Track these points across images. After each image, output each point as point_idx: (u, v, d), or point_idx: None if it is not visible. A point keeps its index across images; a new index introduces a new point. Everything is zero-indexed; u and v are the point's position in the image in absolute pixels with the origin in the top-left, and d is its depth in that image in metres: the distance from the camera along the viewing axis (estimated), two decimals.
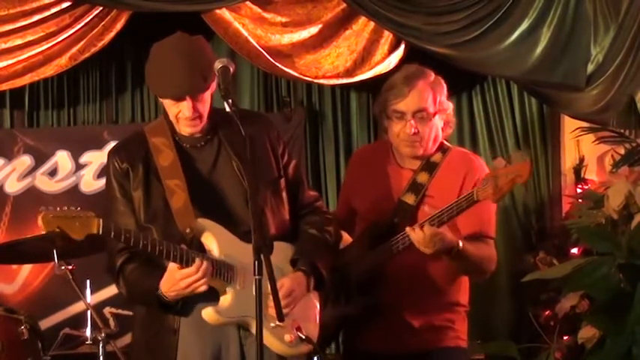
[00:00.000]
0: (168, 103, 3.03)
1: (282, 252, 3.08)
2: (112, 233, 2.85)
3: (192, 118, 3.01)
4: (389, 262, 3.37)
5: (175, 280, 2.91)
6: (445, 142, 3.54)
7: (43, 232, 2.83)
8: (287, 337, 3.01)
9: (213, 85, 3.04)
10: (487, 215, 3.45)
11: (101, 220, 2.83)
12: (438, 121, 3.45)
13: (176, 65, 2.96)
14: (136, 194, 3.05)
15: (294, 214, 3.20)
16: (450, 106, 3.50)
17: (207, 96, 3.03)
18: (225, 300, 2.95)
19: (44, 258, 4.33)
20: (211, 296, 2.96)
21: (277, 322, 2.91)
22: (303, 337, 3.00)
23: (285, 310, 2.90)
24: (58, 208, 2.80)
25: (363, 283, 3.40)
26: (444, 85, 3.49)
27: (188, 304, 2.99)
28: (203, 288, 2.92)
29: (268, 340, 2.96)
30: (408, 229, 3.26)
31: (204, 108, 3.03)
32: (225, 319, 2.95)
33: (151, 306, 3.03)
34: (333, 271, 3.29)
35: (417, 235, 3.23)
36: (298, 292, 3.04)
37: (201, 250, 2.97)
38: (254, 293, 2.95)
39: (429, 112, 3.40)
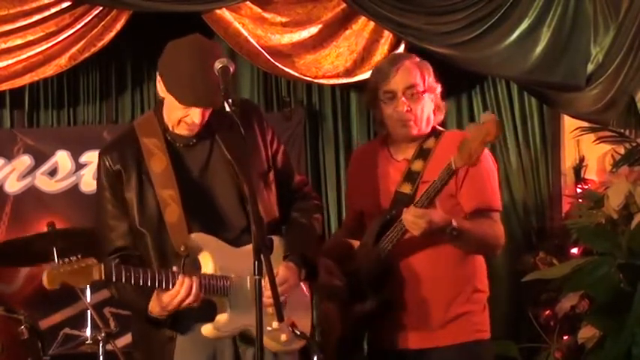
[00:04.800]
0: (175, 106, 2.99)
1: (274, 246, 3.08)
2: (114, 276, 2.83)
3: (197, 124, 3.00)
4: (393, 253, 3.37)
5: (165, 304, 2.90)
6: (438, 127, 3.56)
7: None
8: (283, 337, 3.01)
9: None
10: (490, 188, 3.45)
11: (102, 266, 2.81)
12: (428, 101, 3.49)
13: (199, 74, 2.90)
14: (129, 197, 3.03)
15: (284, 200, 3.19)
16: (438, 87, 3.54)
17: None
18: (223, 314, 2.95)
19: (45, 257, 4.33)
20: (208, 308, 2.96)
21: (274, 326, 2.92)
22: (299, 333, 2.99)
23: (281, 297, 2.91)
24: (61, 262, 2.78)
25: (374, 280, 3.40)
26: (431, 68, 3.55)
27: (183, 315, 2.98)
28: (194, 304, 2.90)
29: (265, 342, 2.94)
30: (404, 211, 3.27)
31: (207, 115, 3.02)
32: (224, 333, 2.96)
33: (140, 320, 3.03)
34: (345, 274, 3.29)
35: (405, 216, 3.25)
36: (292, 282, 3.04)
37: (196, 265, 2.96)
38: (251, 298, 2.96)
39: (418, 90, 3.46)
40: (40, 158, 5.33)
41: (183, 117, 3.00)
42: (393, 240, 3.35)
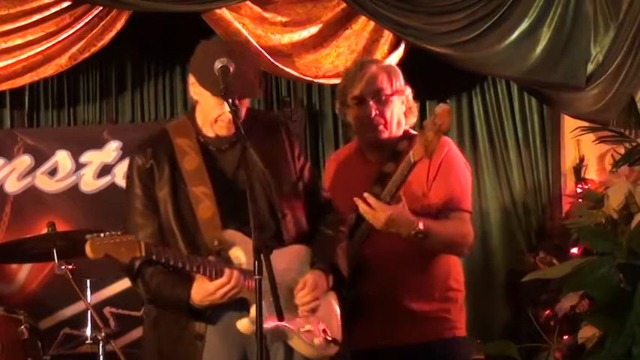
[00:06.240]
0: (211, 105, 3.01)
1: (301, 254, 3.08)
2: (154, 255, 2.82)
3: (229, 119, 2.99)
4: (364, 252, 3.39)
5: (209, 292, 2.89)
6: (411, 130, 3.57)
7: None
8: (317, 341, 3.00)
9: None
10: (459, 188, 3.47)
11: (143, 243, 2.80)
12: (397, 104, 3.52)
13: (240, 68, 2.95)
14: (162, 195, 3.02)
15: (312, 215, 3.19)
16: (408, 91, 3.56)
17: (245, 102, 3.04)
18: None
19: (45, 257, 4.34)
20: (238, 304, 2.94)
21: (307, 328, 2.94)
22: (330, 339, 3.00)
23: (312, 305, 2.97)
24: (102, 234, 2.76)
25: (348, 279, 3.41)
26: (399, 72, 3.58)
27: (215, 310, 2.97)
28: (239, 295, 2.90)
29: (297, 344, 2.98)
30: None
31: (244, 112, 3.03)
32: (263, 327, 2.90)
33: (177, 312, 3.00)
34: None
35: (363, 210, 3.28)
36: (322, 287, 3.04)
37: (228, 262, 2.95)
38: (284, 300, 2.94)
39: (386, 94, 3.49)
40: (40, 158, 5.34)
41: (219, 115, 3.00)
42: (362, 237, 3.38)
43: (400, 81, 3.55)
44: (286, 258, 3.03)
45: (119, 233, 2.79)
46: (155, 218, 3.02)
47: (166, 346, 3.06)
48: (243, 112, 3.01)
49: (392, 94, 3.49)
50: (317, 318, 3.01)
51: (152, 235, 3.01)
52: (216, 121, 3.03)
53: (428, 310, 3.42)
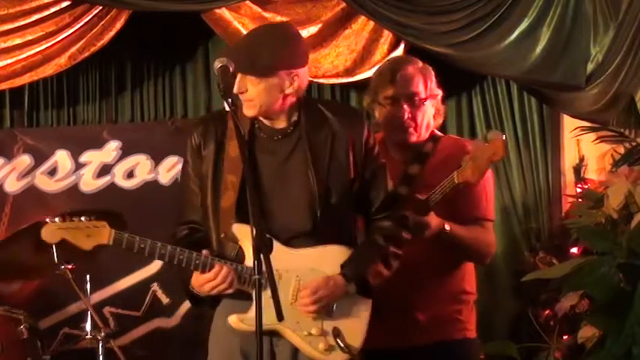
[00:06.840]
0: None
1: (335, 256, 3.06)
2: (124, 244, 2.86)
3: (245, 99, 2.99)
4: None
5: (199, 283, 2.96)
6: (436, 132, 3.56)
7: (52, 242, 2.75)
8: (321, 346, 3.00)
9: (282, 77, 2.99)
10: (485, 198, 3.48)
11: (113, 231, 2.83)
12: (429, 107, 3.48)
13: (244, 42, 3.02)
14: (204, 173, 3.06)
15: (368, 217, 3.16)
16: (439, 92, 3.52)
17: (262, 84, 2.98)
18: (252, 308, 2.84)
19: (42, 269, 4.32)
20: (244, 296, 2.95)
21: (313, 332, 2.95)
22: (342, 345, 2.97)
23: (311, 307, 2.96)
24: (69, 219, 2.75)
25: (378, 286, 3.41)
26: (432, 72, 3.53)
27: (222, 298, 3.03)
28: (228, 291, 2.94)
29: (301, 345, 2.99)
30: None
31: (254, 94, 2.98)
32: (250, 327, 2.87)
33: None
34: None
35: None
36: (322, 293, 3.00)
37: (241, 255, 2.97)
38: (290, 299, 2.98)
39: (420, 97, 3.45)
40: (39, 158, 5.32)
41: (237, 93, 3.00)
42: None
43: (434, 83, 3.50)
44: (316, 258, 3.03)
45: (90, 219, 2.79)
46: (199, 194, 3.08)
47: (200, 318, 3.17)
48: (246, 90, 2.97)
49: (426, 98, 3.45)
50: (332, 323, 3.00)
51: (197, 211, 3.08)
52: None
53: (441, 312, 3.43)
